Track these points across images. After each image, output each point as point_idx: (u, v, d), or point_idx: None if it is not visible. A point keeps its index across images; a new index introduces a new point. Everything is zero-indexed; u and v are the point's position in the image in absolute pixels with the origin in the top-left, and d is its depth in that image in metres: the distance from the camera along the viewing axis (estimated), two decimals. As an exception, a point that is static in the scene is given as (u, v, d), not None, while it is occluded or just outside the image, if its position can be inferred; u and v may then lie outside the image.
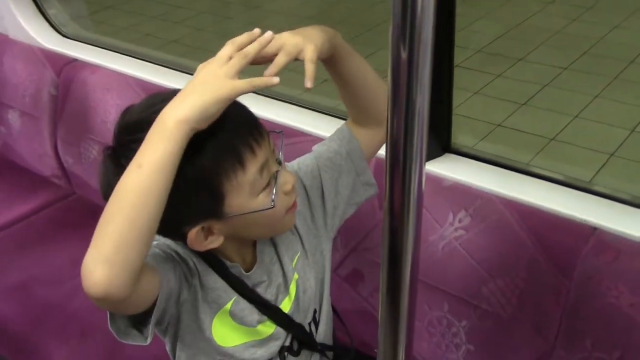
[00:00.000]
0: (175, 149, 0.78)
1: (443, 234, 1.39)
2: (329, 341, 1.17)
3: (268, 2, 5.26)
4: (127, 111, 0.92)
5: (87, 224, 2.25)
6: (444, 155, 1.50)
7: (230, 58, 0.83)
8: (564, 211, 1.30)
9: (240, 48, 0.84)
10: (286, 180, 0.96)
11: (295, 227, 1.08)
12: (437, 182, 1.43)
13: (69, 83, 2.16)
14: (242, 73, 0.83)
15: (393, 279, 0.72)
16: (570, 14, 4.39)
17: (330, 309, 1.16)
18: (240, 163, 0.88)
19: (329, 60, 0.96)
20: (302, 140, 1.56)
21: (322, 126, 1.63)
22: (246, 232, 0.98)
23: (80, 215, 2.16)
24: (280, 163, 0.96)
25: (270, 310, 1.05)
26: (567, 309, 1.26)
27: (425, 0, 0.58)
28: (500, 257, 1.34)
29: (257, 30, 0.86)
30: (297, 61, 0.87)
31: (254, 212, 0.92)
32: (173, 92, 0.92)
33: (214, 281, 0.99)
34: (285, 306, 1.07)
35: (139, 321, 0.90)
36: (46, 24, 2.34)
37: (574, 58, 3.85)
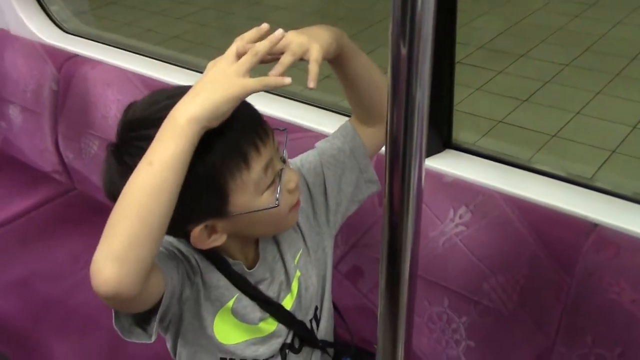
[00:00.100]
0: (187, 147, 0.78)
1: (443, 230, 1.39)
2: (329, 338, 1.17)
3: (270, -3, 5.26)
4: (130, 108, 0.92)
5: (88, 220, 2.27)
6: (444, 151, 1.50)
7: (239, 55, 0.82)
8: (565, 207, 1.30)
9: (250, 44, 0.83)
10: (290, 178, 0.95)
11: (298, 225, 1.08)
12: (438, 178, 1.43)
13: (69, 78, 2.16)
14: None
15: (392, 274, 0.72)
16: (572, 11, 4.38)
17: (331, 305, 1.16)
18: (245, 162, 0.88)
19: (334, 60, 0.95)
20: (302, 137, 1.56)
21: (324, 122, 1.63)
22: (250, 231, 0.98)
23: (81, 210, 2.17)
24: (284, 161, 0.96)
25: (272, 308, 1.05)
26: (568, 305, 1.26)
27: (426, -5, 0.58)
28: (501, 253, 1.34)
29: (265, 26, 0.85)
30: (301, 61, 0.86)
31: (258, 210, 0.92)
32: (176, 89, 0.92)
33: (217, 279, 0.99)
34: (287, 303, 1.07)
35: (143, 319, 0.90)
36: (47, 20, 2.34)
37: (576, 55, 3.85)
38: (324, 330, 1.14)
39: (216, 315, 1.01)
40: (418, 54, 0.61)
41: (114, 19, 4.82)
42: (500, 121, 3.28)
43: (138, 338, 0.90)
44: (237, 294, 1.01)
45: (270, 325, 1.06)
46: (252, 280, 1.03)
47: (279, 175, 0.93)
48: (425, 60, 0.61)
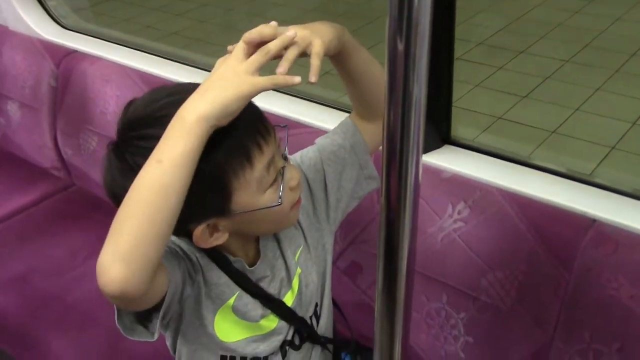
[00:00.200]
0: (196, 145, 0.77)
1: (442, 226, 1.39)
2: (329, 334, 1.17)
3: (270, -7, 5.26)
4: (129, 106, 0.91)
5: (87, 216, 2.27)
6: (443, 147, 1.50)
7: (250, 48, 0.82)
8: (563, 203, 1.30)
9: (258, 41, 0.82)
10: (292, 175, 0.95)
11: (298, 221, 1.08)
12: (437, 173, 1.43)
13: (68, 74, 2.16)
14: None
15: (389, 270, 0.72)
16: (572, 7, 4.38)
17: (331, 302, 1.16)
18: (249, 160, 0.87)
19: (336, 56, 0.95)
20: (301, 132, 1.55)
21: (323, 118, 1.63)
22: (251, 228, 0.98)
23: (80, 206, 2.17)
24: (285, 158, 0.96)
25: (274, 304, 1.05)
26: (566, 300, 1.26)
27: (423, -9, 0.58)
28: (499, 249, 1.34)
29: (274, 23, 0.84)
30: (302, 57, 0.86)
31: (261, 209, 0.91)
32: (176, 87, 0.92)
33: (218, 276, 0.99)
34: (288, 300, 1.07)
35: (144, 317, 0.89)
36: (45, 15, 2.34)
37: (575, 51, 3.84)
38: (324, 326, 1.14)
39: (217, 313, 1.00)
40: (415, 50, 0.61)
41: (113, 15, 4.82)
42: (500, 117, 3.28)
43: (140, 336, 0.89)
44: (238, 291, 1.01)
45: (271, 322, 1.05)
46: (253, 277, 1.02)
47: (281, 172, 0.93)
48: (423, 56, 0.61)
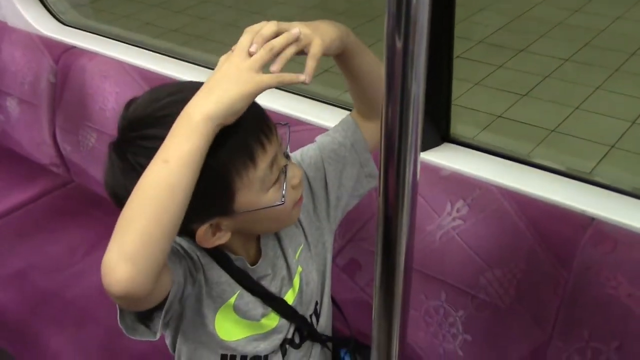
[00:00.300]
0: (202, 144, 0.77)
1: (441, 224, 1.39)
2: (328, 332, 1.17)
3: (270, -9, 5.25)
4: (130, 104, 0.90)
5: (86, 212, 2.27)
6: (442, 145, 1.49)
7: (252, 50, 0.81)
8: (562, 201, 1.29)
9: (262, 38, 0.82)
10: (294, 174, 0.95)
11: (299, 220, 1.07)
12: (435, 171, 1.43)
13: (67, 70, 2.15)
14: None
15: (387, 268, 0.72)
16: (572, 5, 4.38)
17: (330, 300, 1.16)
18: (252, 160, 0.87)
19: (339, 57, 0.94)
20: (301, 130, 1.55)
21: (321, 115, 1.62)
22: (253, 227, 0.98)
23: (79, 203, 2.17)
24: (287, 156, 0.95)
25: (275, 303, 1.04)
26: (565, 299, 1.26)
27: (421, -12, 0.58)
28: (498, 247, 1.34)
29: (274, 22, 0.84)
30: (300, 54, 0.86)
31: (265, 208, 0.91)
32: (178, 85, 0.91)
33: (218, 275, 0.98)
34: (289, 299, 1.07)
35: (145, 316, 0.89)
36: (44, 11, 2.33)
37: (575, 49, 3.84)
38: (323, 325, 1.14)
39: (217, 312, 1.00)
40: (413, 48, 0.61)
41: (112, 11, 4.81)
42: (500, 116, 3.28)
43: (142, 336, 0.89)
44: (239, 290, 1.01)
45: (271, 321, 1.05)
46: (254, 276, 1.02)
47: (283, 171, 0.92)
48: (421, 53, 0.61)
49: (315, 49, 0.84)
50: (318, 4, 4.91)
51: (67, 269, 1.85)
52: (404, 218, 0.69)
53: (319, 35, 0.85)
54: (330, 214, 1.11)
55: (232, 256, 0.99)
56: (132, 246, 0.74)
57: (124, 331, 0.89)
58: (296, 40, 0.83)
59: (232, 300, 1.00)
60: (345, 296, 1.51)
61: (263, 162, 0.88)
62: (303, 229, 1.09)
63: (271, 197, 0.91)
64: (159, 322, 0.88)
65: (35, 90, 2.26)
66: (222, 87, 0.79)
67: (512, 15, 4.35)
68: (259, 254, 1.04)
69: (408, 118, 0.64)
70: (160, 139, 0.80)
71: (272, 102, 1.67)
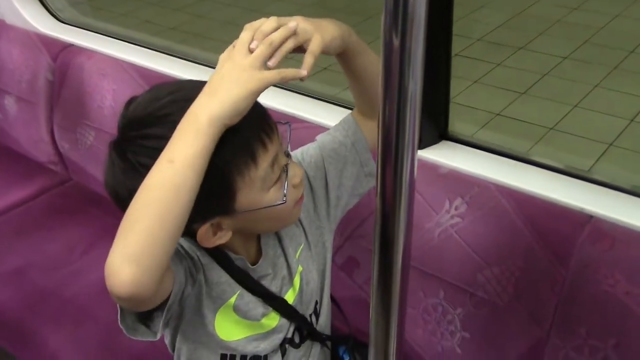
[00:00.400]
0: (208, 145, 0.77)
1: (439, 221, 1.39)
2: (327, 331, 1.17)
3: (269, -12, 5.24)
4: (130, 103, 0.90)
5: (84, 210, 2.26)
6: (440, 143, 1.49)
7: (252, 46, 0.81)
8: (560, 199, 1.29)
9: (262, 34, 0.82)
10: (295, 173, 0.95)
11: (299, 219, 1.07)
12: (434, 169, 1.43)
13: (65, 68, 2.15)
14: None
15: (385, 266, 0.72)
16: (571, 3, 4.38)
17: (329, 300, 1.16)
18: (253, 159, 0.87)
19: (340, 56, 0.94)
20: (299, 127, 1.55)
21: (320, 113, 1.62)
22: (255, 227, 0.98)
23: (77, 201, 2.17)
24: (288, 155, 0.95)
25: (275, 302, 1.04)
26: (562, 296, 1.26)
27: (418, -15, 0.58)
28: (496, 244, 1.34)
29: (274, 18, 0.84)
30: (299, 52, 0.85)
31: (266, 207, 0.91)
32: (178, 84, 0.91)
33: (219, 275, 0.98)
34: (289, 298, 1.07)
35: (145, 316, 0.89)
36: (42, 9, 2.33)
37: (574, 47, 3.84)
38: (323, 324, 1.14)
39: (217, 312, 1.00)
40: (410, 45, 0.60)
41: (110, 9, 4.80)
42: (498, 114, 3.28)
43: (143, 336, 0.89)
44: (239, 290, 1.00)
45: (272, 320, 1.05)
46: (254, 275, 1.02)
47: (284, 170, 0.92)
48: (418, 51, 0.61)
49: (314, 46, 0.84)
50: (317, 1, 4.91)
51: (65, 267, 1.85)
52: (401, 216, 0.68)
53: (319, 32, 0.85)
54: (331, 213, 1.11)
55: (233, 256, 0.99)
56: (137, 247, 0.74)
57: (124, 331, 0.88)
58: (294, 33, 0.83)
59: (232, 300, 1.00)
60: (343, 294, 1.51)
61: (264, 161, 0.88)
62: (303, 228, 1.09)
63: (272, 196, 0.91)
64: (159, 323, 0.88)
65: (33, 88, 2.26)
66: (225, 87, 0.79)
67: (511, 13, 4.35)
68: (259, 253, 1.03)
69: (405, 116, 0.64)
70: (161, 138, 0.80)
71: (271, 100, 1.66)
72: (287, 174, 0.92)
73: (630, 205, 1.27)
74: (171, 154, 0.77)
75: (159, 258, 0.76)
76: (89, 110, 2.09)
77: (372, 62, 0.98)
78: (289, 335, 1.09)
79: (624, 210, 1.25)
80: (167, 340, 1.07)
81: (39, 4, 2.33)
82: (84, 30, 2.28)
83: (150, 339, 0.89)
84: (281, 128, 0.95)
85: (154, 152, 0.80)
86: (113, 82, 2.02)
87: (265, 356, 1.07)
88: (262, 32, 0.82)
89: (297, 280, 1.07)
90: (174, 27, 4.53)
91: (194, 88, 0.81)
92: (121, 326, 0.88)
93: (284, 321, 1.06)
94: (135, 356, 1.56)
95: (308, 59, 0.84)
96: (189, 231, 0.90)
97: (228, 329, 1.02)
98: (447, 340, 1.44)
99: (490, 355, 1.40)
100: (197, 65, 1.97)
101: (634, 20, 4.16)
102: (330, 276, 1.15)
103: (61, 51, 2.18)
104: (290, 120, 1.56)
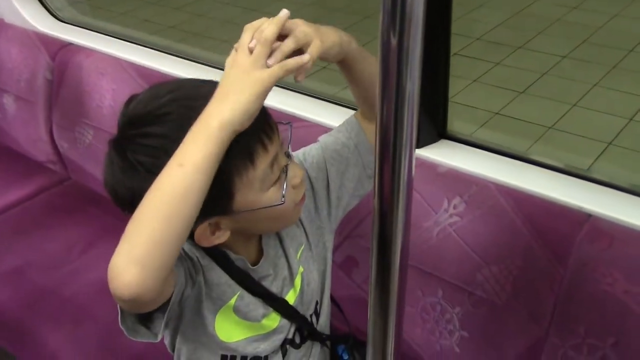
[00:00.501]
0: (218, 151, 0.77)
1: (438, 220, 1.39)
2: (327, 331, 1.17)
3: (268, -12, 5.24)
4: (130, 101, 0.90)
5: (83, 209, 2.26)
6: (439, 142, 1.49)
7: (250, 46, 0.81)
8: (559, 198, 1.30)
9: (262, 34, 0.81)
10: (295, 173, 0.95)
11: (300, 220, 1.07)
12: (432, 168, 1.43)
13: (64, 67, 2.15)
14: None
15: (383, 265, 0.72)
16: (570, 2, 4.38)
17: (329, 300, 1.16)
18: (251, 160, 0.87)
19: (340, 63, 0.94)
20: (298, 127, 1.54)
21: (319, 112, 1.62)
22: (254, 227, 0.97)
23: (76, 200, 2.17)
24: (289, 156, 0.95)
25: (276, 303, 1.04)
26: (561, 295, 1.26)
27: (416, -15, 0.58)
28: (495, 243, 1.34)
29: (285, 11, 0.84)
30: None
31: (264, 208, 0.91)
32: (178, 82, 0.91)
33: (218, 276, 0.98)
34: (290, 299, 1.06)
35: (145, 317, 0.89)
36: (41, 8, 2.33)
37: (573, 46, 3.84)
38: (323, 324, 1.14)
39: (217, 313, 1.00)
40: (408, 45, 0.60)
41: (110, 8, 4.80)
42: (497, 113, 3.28)
43: (143, 337, 0.89)
44: (240, 291, 1.00)
45: (272, 321, 1.05)
46: (255, 276, 1.02)
47: (284, 171, 0.92)
48: (416, 50, 0.61)
49: (313, 49, 0.84)
50: (316, 1, 4.91)
51: (64, 266, 1.85)
52: (399, 215, 0.69)
53: (319, 36, 0.85)
54: (332, 214, 1.11)
55: (233, 256, 0.99)
56: (143, 250, 0.74)
57: (125, 333, 0.88)
58: (284, 21, 0.82)
59: (232, 301, 1.00)
60: (342, 293, 1.51)
61: (263, 162, 0.88)
62: (304, 229, 1.09)
63: (271, 196, 0.91)
64: (159, 324, 0.88)
65: (31, 87, 2.26)
66: (235, 92, 0.79)
67: (510, 12, 4.35)
68: (260, 254, 1.03)
69: (403, 115, 0.64)
70: (160, 136, 0.80)
71: (270, 99, 1.66)
72: (286, 175, 0.92)
73: (629, 204, 1.27)
74: (181, 158, 0.77)
75: (165, 260, 0.76)
76: (87, 110, 2.09)
77: (373, 69, 0.98)
78: (290, 336, 1.09)
79: (623, 209, 1.25)
80: (166, 341, 1.07)
81: (37, 3, 2.33)
82: (83, 29, 2.28)
83: (151, 340, 0.89)
84: (281, 128, 0.95)
85: (154, 151, 0.79)
86: (112, 81, 2.02)
87: (266, 357, 1.07)
88: (262, 32, 0.82)
89: (298, 280, 1.07)
90: (173, 26, 4.52)
91: (194, 87, 0.81)
92: (122, 327, 0.88)
93: (285, 322, 1.06)
94: (135, 356, 1.56)
95: (305, 58, 0.84)
96: None
97: (228, 330, 1.02)
98: (445, 339, 1.44)
99: (488, 354, 1.41)
100: (196, 64, 1.97)
101: (632, 20, 4.16)
102: (330, 276, 1.15)
103: (60, 50, 2.18)
104: (291, 119, 1.56)
